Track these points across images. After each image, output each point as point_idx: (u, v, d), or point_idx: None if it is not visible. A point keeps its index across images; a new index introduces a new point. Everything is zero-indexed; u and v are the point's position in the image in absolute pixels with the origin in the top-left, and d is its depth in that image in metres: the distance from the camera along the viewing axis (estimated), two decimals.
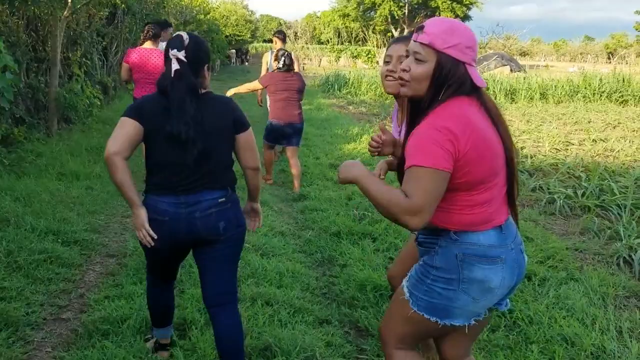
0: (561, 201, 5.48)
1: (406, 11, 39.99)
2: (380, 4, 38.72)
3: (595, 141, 9.53)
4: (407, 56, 1.76)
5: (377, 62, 36.75)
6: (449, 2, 37.98)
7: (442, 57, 1.67)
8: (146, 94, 4.10)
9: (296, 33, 41.56)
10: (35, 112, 7.89)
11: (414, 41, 1.72)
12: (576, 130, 11.03)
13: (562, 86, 17.80)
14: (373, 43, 40.37)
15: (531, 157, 7.74)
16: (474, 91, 1.73)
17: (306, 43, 37.66)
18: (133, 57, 5.54)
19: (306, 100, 15.22)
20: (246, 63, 39.36)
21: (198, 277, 2.46)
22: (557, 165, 7.29)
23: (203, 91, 2.23)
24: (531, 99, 17.47)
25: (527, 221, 4.97)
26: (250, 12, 45.83)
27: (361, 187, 1.74)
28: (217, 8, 25.81)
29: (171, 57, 2.15)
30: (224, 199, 2.25)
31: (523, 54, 44.38)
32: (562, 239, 4.61)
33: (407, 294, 1.83)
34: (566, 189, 5.91)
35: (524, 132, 10.50)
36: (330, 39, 45.73)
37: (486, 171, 1.70)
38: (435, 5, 38.43)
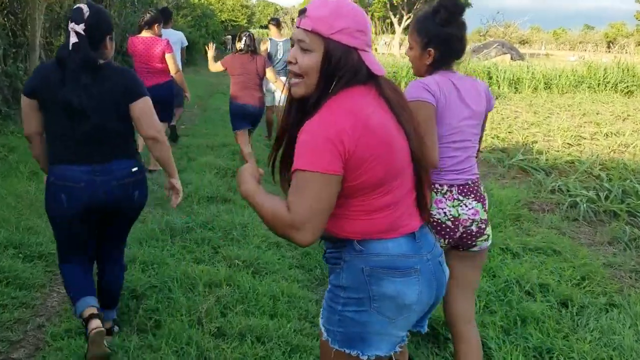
0: (584, 205, 4.97)
1: None
2: None
3: (608, 135, 9.03)
4: (292, 46, 1.52)
5: (376, 49, 36.17)
6: None
7: (330, 44, 1.44)
8: (148, 84, 4.28)
9: (293, 19, 40.72)
10: (14, 101, 7.30)
11: (297, 27, 1.48)
12: (585, 122, 10.50)
13: (567, 76, 17.24)
14: (371, 30, 39.68)
15: (544, 153, 7.22)
16: (371, 79, 1.50)
17: None
18: (130, 45, 5.49)
19: None
20: None
21: None
22: (573, 163, 6.78)
23: (102, 62, 2.25)
24: (535, 88, 16.92)
25: (551, 229, 4.46)
26: None
27: (251, 205, 1.50)
28: None
29: (70, 30, 2.18)
30: (136, 168, 2.36)
31: (522, 42, 43.69)
32: (592, 251, 4.11)
33: (325, 333, 1.57)
34: (588, 191, 5.39)
35: (532, 124, 9.98)
36: None
37: (384, 171, 1.45)
38: None
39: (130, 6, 12.69)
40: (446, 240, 2.06)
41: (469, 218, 2.05)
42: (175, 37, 7.02)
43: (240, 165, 5.85)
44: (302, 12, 1.48)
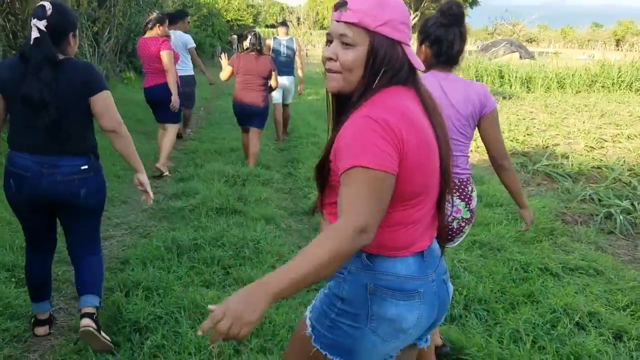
0: (621, 217, 4.61)
1: None
2: None
3: (630, 137, 8.65)
4: (329, 41, 1.40)
5: None
6: None
7: (376, 37, 1.33)
8: (149, 84, 5.48)
9: (299, 18, 40.44)
10: None
11: (337, 21, 1.35)
12: (605, 124, 10.11)
13: (580, 75, 16.83)
14: None
15: (568, 158, 6.87)
16: (410, 78, 1.39)
17: (309, 28, 36.57)
18: (137, 47, 5.56)
19: (312, 89, 14.30)
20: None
21: None
22: (599, 168, 6.42)
23: (63, 57, 2.29)
24: (548, 88, 16.54)
25: (589, 244, 4.12)
26: None
27: (293, 286, 1.15)
28: None
29: (32, 25, 2.21)
30: (86, 166, 2.36)
31: (530, 40, 43.19)
32: (634, 268, 3.76)
33: (310, 329, 1.50)
34: (621, 200, 5.04)
35: (550, 125, 9.61)
36: None
37: (422, 181, 1.36)
38: None
39: (135, 6, 12.38)
40: None
41: (451, 214, 2.05)
42: (180, 40, 6.90)
43: (251, 170, 5.62)
44: (342, 4, 1.34)
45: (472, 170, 2.36)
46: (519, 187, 2.31)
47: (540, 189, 5.75)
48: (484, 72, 17.24)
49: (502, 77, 17.25)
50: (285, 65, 7.41)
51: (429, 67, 2.17)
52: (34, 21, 2.21)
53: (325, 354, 1.44)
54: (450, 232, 2.15)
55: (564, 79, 16.82)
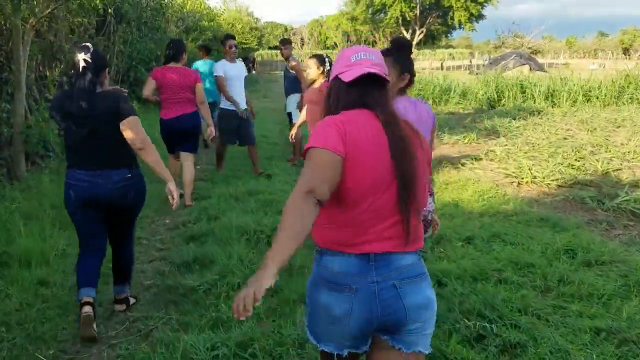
0: None
1: (418, 12, 37.94)
2: (391, 5, 36.68)
3: None
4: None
5: None
6: (463, 1, 35.87)
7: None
8: (175, 113, 5.43)
9: (302, 39, 39.71)
10: None
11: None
12: None
13: (607, 87, 15.79)
14: (383, 45, 38.50)
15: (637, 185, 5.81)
16: (372, 107, 1.67)
17: (310, 50, 35.77)
18: (159, 76, 5.44)
19: None
20: (254, 71, 37.48)
21: None
22: None
23: (101, 89, 2.85)
24: (574, 101, 15.50)
25: None
26: (255, 19, 44.09)
27: (285, 253, 1.44)
28: (221, 15, 23.90)
29: (79, 58, 2.80)
30: (130, 175, 2.91)
31: (535, 52, 42.24)
32: None
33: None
34: None
35: (598, 145, 8.52)
36: (337, 43, 43.94)
37: (367, 181, 1.59)
38: (449, 4, 36.33)
39: (136, 32, 11.46)
40: None
41: (426, 208, 2.35)
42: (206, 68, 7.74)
43: (275, 219, 4.56)
44: None
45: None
46: None
47: (631, 232, 4.65)
48: (505, 87, 16.21)
49: (523, 92, 16.23)
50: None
51: (403, 91, 2.50)
52: (81, 55, 2.78)
53: (310, 336, 1.76)
54: (426, 222, 2.45)
55: (589, 92, 15.80)
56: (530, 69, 31.75)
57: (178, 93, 5.38)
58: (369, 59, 1.67)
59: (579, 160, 7.46)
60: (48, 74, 7.60)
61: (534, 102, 15.71)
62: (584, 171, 6.96)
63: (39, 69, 7.57)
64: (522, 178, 6.48)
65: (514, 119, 12.40)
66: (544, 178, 6.42)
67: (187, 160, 5.57)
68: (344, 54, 1.73)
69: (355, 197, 1.59)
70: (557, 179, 6.40)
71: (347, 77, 1.67)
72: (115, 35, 10.41)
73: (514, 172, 6.82)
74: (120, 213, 2.99)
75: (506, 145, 8.78)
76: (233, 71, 6.57)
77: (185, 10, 17.16)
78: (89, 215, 2.89)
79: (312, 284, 1.70)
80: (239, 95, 6.62)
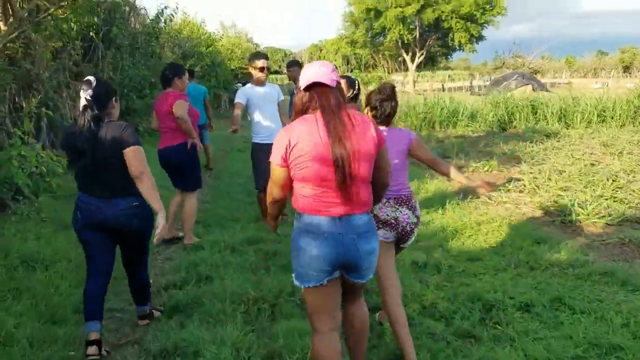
0: None
1: (417, 35, 37.40)
2: (390, 29, 36.16)
3: None
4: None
5: None
6: (463, 22, 35.32)
7: None
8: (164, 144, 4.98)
9: (301, 64, 39.04)
10: None
11: None
12: None
13: (621, 107, 14.96)
14: (384, 69, 37.87)
15: None
16: (323, 108, 2.21)
17: None
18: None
19: None
20: None
21: None
22: None
23: (108, 120, 2.94)
24: (589, 122, 14.67)
25: None
26: (255, 45, 43.67)
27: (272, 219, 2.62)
28: (219, 40, 23.24)
29: (81, 96, 2.88)
30: (137, 203, 2.98)
31: (535, 72, 41.63)
32: None
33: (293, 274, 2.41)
34: None
35: (633, 172, 7.59)
36: (337, 67, 43.37)
37: (310, 174, 2.19)
38: (448, 26, 35.78)
39: (128, 58, 10.65)
40: (393, 232, 2.93)
41: (404, 220, 2.93)
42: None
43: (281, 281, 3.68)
44: None
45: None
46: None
47: None
48: (515, 108, 15.39)
49: (535, 113, 15.40)
50: None
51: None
52: (82, 92, 2.87)
53: (298, 284, 2.36)
54: (405, 234, 2.96)
55: (603, 112, 14.98)
56: (533, 89, 31.04)
57: (163, 121, 4.90)
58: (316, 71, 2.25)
59: (616, 191, 6.56)
60: (24, 104, 6.75)
61: (547, 123, 14.89)
62: (628, 204, 6.05)
63: (13, 100, 6.73)
64: (565, 216, 5.56)
65: (530, 142, 11.55)
66: (588, 215, 5.50)
67: (186, 195, 5.06)
68: (305, 69, 2.32)
69: (309, 178, 2.20)
70: (604, 216, 5.49)
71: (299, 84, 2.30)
72: (104, 61, 9.61)
73: (552, 207, 5.91)
74: (127, 238, 3.09)
75: (531, 173, 7.88)
76: (260, 96, 5.31)
77: (182, 35, 16.46)
78: (95, 236, 2.98)
79: (296, 234, 2.29)
80: (271, 122, 5.33)
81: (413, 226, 2.97)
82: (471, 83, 42.10)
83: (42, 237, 4.57)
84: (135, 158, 2.87)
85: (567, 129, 14.31)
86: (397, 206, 2.91)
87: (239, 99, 5.34)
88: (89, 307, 2.94)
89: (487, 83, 36.78)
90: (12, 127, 6.43)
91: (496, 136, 13.15)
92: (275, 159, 2.22)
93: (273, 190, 2.31)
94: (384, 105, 2.99)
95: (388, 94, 3.01)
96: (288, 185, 2.27)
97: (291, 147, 2.16)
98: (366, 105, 3.08)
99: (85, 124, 2.82)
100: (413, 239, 3.04)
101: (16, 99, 6.79)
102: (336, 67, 2.41)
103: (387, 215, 2.89)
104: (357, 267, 2.29)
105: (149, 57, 12.08)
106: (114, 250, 3.11)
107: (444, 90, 36.06)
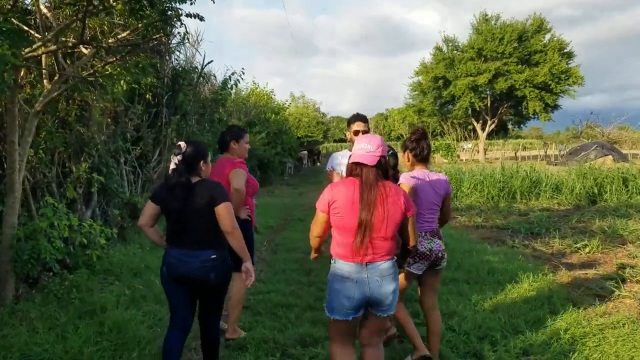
0: None
1: (488, 102, 36.30)
2: (460, 97, 35.37)
3: None
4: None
5: (458, 156, 32.95)
6: (537, 92, 33.94)
7: None
8: None
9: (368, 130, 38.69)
10: None
11: None
12: None
13: None
14: (452, 137, 36.79)
15: None
16: (361, 181, 2.73)
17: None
18: None
19: None
20: (318, 164, 36.74)
21: None
22: None
23: (198, 179, 3.13)
24: None
25: None
26: (322, 115, 44.15)
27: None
28: (287, 108, 23.25)
29: (172, 159, 3.10)
30: (215, 256, 3.09)
31: (613, 142, 39.01)
32: None
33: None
34: None
35: None
36: (402, 134, 42.73)
37: (342, 225, 2.71)
38: (522, 95, 34.50)
39: (195, 124, 10.30)
40: (426, 263, 3.53)
41: (437, 249, 3.54)
42: None
43: None
44: None
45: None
46: None
47: None
48: (605, 180, 13.81)
49: (626, 185, 13.73)
50: None
51: (412, 164, 3.70)
52: (173, 156, 3.10)
53: (325, 313, 2.87)
54: (438, 259, 3.55)
55: None
56: (614, 160, 28.84)
57: None
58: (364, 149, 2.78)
59: None
60: (74, 169, 6.31)
61: None
62: None
63: (63, 164, 6.30)
64: None
65: (628, 219, 10.00)
66: None
67: (234, 276, 3.96)
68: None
69: (342, 230, 2.74)
70: None
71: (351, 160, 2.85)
72: (167, 127, 9.26)
73: None
74: (204, 291, 3.17)
75: None
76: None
77: (249, 102, 16.36)
78: (177, 290, 3.15)
79: (331, 277, 2.80)
80: None
81: (444, 253, 3.61)
82: (546, 152, 40.03)
83: (56, 327, 3.80)
84: (228, 214, 3.04)
85: None
86: (431, 238, 3.53)
87: (332, 164, 4.28)
88: (167, 358, 3.13)
89: (564, 152, 34.73)
90: (58, 193, 5.96)
91: (585, 210, 11.64)
92: (319, 206, 2.78)
93: (315, 228, 2.87)
94: (421, 144, 3.59)
95: (421, 132, 3.63)
96: (326, 228, 2.83)
97: (332, 202, 2.74)
98: (404, 150, 3.68)
99: (180, 182, 3.02)
100: (444, 264, 3.64)
101: (66, 164, 6.37)
102: (382, 141, 2.83)
103: (424, 247, 3.49)
104: (381, 304, 2.76)
105: (215, 123, 11.79)
106: (194, 305, 3.25)
107: (517, 159, 34.36)
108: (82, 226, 5.53)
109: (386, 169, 2.77)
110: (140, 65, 4.78)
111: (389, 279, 2.72)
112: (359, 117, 4.38)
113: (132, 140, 8.31)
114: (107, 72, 4.71)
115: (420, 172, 3.58)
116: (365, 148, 2.73)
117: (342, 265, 2.72)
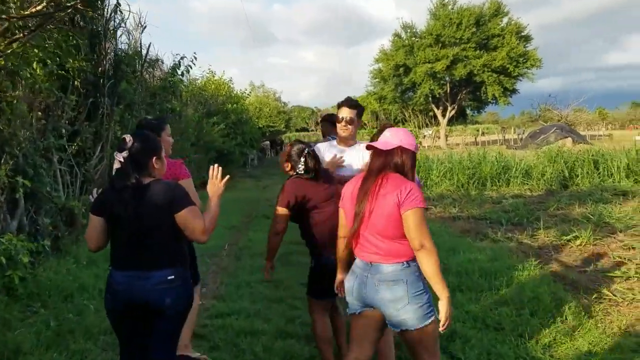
0: None
1: (448, 89, 35.99)
2: (421, 84, 34.86)
3: None
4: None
5: (420, 143, 32.50)
6: (496, 76, 33.79)
7: None
8: None
9: (333, 121, 38.00)
10: None
11: None
12: None
13: None
14: (414, 124, 36.38)
15: None
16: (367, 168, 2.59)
17: None
18: None
19: None
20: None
21: None
22: None
23: (149, 180, 2.45)
24: None
25: None
26: (283, 104, 43.08)
27: None
28: (247, 98, 22.07)
29: (116, 157, 2.44)
30: (173, 276, 2.42)
31: (570, 124, 39.60)
32: None
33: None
34: None
35: None
36: (366, 123, 42.27)
37: (349, 220, 2.56)
38: (480, 80, 34.29)
39: (143, 115, 9.19)
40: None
41: None
42: None
43: None
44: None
45: None
46: None
47: None
48: (574, 164, 13.41)
49: (597, 167, 13.38)
50: None
51: None
52: (116, 153, 2.44)
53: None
54: None
55: None
56: (574, 142, 29.01)
57: None
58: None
59: None
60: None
61: (613, 179, 12.84)
62: None
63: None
64: None
65: (606, 203, 9.55)
66: None
67: None
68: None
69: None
70: None
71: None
72: (109, 119, 8.12)
73: None
74: (156, 319, 2.46)
75: (637, 245, 5.90)
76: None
77: (206, 92, 15.20)
78: (127, 323, 2.50)
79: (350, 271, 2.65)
80: None
81: None
82: (504, 136, 40.19)
83: None
84: (195, 218, 2.45)
85: (638, 185, 12.25)
86: None
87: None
88: None
89: (522, 136, 34.86)
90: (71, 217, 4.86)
91: (559, 196, 11.16)
92: (340, 204, 2.67)
93: (339, 227, 2.69)
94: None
95: (383, 125, 3.28)
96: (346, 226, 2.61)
97: (343, 195, 2.64)
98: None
99: (126, 184, 2.42)
100: None
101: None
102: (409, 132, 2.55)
103: None
104: (383, 312, 2.44)
105: (167, 113, 10.66)
106: (145, 342, 2.54)
107: (477, 144, 34.22)
108: (0, 242, 4.49)
109: (403, 164, 2.45)
110: (62, 46, 3.75)
111: (390, 286, 2.38)
112: (344, 102, 3.56)
113: (68, 135, 7.16)
114: (11, 51, 3.64)
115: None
116: (385, 136, 2.50)
117: (357, 260, 2.56)
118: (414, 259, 2.40)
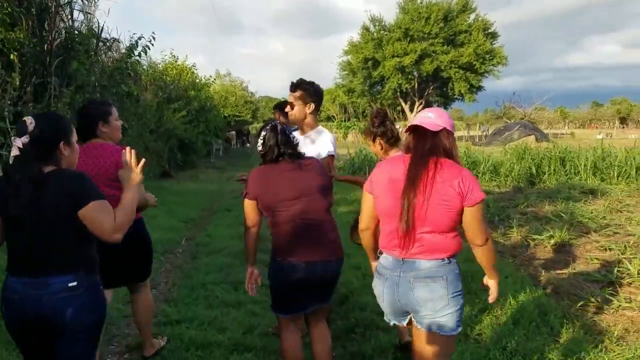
0: None
1: (415, 84, 35.94)
2: (389, 78, 34.67)
3: None
4: None
5: None
6: (462, 72, 33.92)
7: None
8: None
9: (285, 110, 37.41)
10: None
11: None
12: None
13: None
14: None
15: None
16: (414, 150, 2.18)
17: None
18: None
19: (339, 195, 10.04)
20: (247, 145, 34.79)
21: None
22: None
23: (50, 169, 2.02)
24: (627, 177, 12.58)
25: None
26: (250, 93, 42.19)
27: None
28: (211, 85, 21.26)
29: (14, 142, 2.04)
30: (74, 283, 2.03)
31: (532, 122, 40.30)
32: None
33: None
34: None
35: None
36: (334, 115, 41.96)
37: (382, 208, 2.22)
38: (447, 76, 34.37)
39: (97, 97, 8.47)
40: None
41: None
42: None
43: None
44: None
45: None
46: None
47: None
48: (541, 161, 13.33)
49: (563, 164, 13.33)
50: None
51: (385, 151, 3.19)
52: (14, 139, 2.04)
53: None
54: None
55: None
56: (537, 139, 29.39)
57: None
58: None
59: None
60: None
61: (580, 177, 12.81)
62: None
63: None
64: None
65: (575, 202, 9.42)
66: None
67: (137, 291, 3.26)
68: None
69: (381, 217, 2.26)
70: None
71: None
72: (58, 101, 7.41)
73: None
74: (58, 341, 2.02)
75: (619, 248, 5.66)
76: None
77: (167, 78, 14.45)
78: (29, 338, 2.07)
79: (375, 274, 2.38)
80: None
81: None
82: (469, 133, 40.57)
83: None
84: (98, 215, 1.99)
85: (603, 182, 12.25)
86: None
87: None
88: None
89: (487, 133, 35.19)
90: None
91: (527, 193, 11.01)
92: (366, 186, 2.31)
93: (362, 218, 2.36)
94: (387, 125, 3.13)
95: (383, 113, 3.20)
96: (375, 217, 2.30)
97: (374, 181, 2.28)
98: (373, 139, 3.16)
99: (20, 181, 1.96)
100: None
101: None
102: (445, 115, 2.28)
103: None
104: (417, 313, 2.20)
105: (124, 98, 9.95)
106: None
107: None
108: None
109: (451, 148, 2.16)
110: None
111: (427, 283, 2.13)
112: (290, 86, 3.17)
113: (11, 118, 6.46)
114: None
115: (400, 154, 2.56)
116: (425, 115, 2.22)
117: (382, 259, 2.30)
118: (454, 255, 2.18)
